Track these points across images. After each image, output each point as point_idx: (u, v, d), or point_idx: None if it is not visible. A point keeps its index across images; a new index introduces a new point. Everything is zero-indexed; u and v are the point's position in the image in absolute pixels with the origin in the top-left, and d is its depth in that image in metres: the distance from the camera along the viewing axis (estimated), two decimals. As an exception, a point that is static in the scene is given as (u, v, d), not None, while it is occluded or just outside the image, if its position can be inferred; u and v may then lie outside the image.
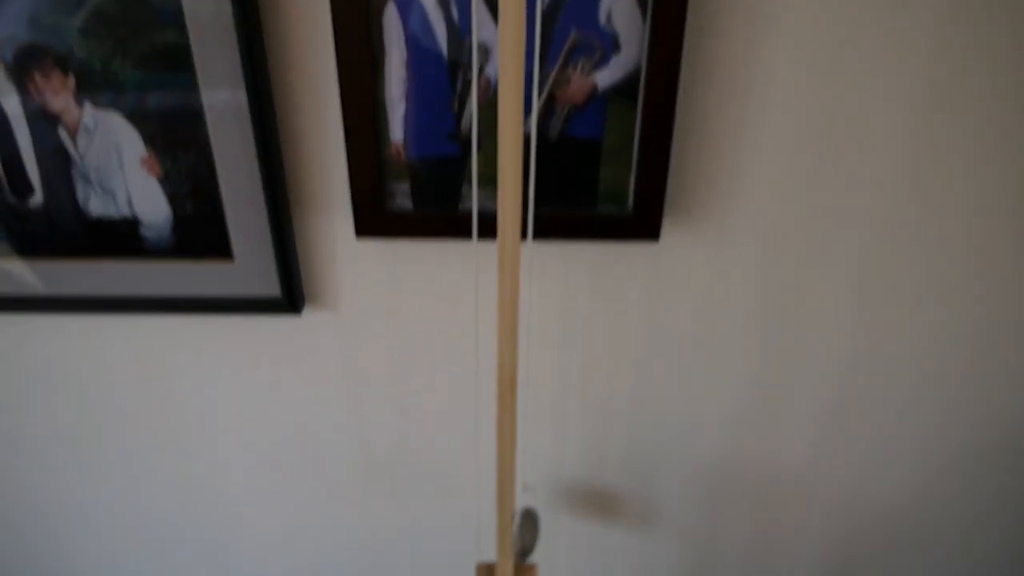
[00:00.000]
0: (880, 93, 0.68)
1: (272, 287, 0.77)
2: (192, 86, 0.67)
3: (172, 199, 0.73)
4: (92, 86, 0.68)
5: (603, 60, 0.66)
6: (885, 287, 0.78)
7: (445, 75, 0.66)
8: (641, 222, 0.71)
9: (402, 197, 0.71)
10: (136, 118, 0.69)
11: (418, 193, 0.71)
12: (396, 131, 0.68)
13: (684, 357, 0.82)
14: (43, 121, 0.70)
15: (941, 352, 0.81)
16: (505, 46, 0.46)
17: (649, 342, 0.81)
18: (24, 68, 0.67)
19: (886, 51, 0.67)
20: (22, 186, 0.73)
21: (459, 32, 0.65)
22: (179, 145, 0.70)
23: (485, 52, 0.66)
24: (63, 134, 0.70)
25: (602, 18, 0.64)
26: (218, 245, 0.75)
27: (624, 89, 0.67)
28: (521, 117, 0.50)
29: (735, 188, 0.73)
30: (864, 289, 0.78)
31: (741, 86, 0.69)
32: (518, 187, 0.52)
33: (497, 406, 0.62)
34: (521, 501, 0.92)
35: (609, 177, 0.70)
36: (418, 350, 0.82)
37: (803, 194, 0.73)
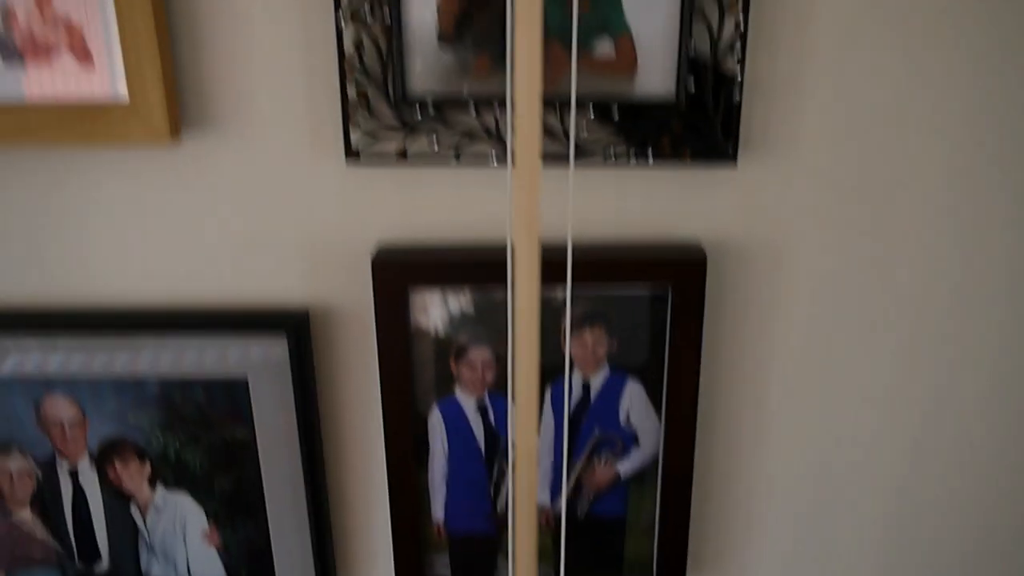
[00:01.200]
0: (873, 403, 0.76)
1: (315, 644, 0.80)
2: (255, 470, 0.75)
3: (228, 566, 0.79)
4: (165, 471, 0.76)
5: (624, 452, 0.73)
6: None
7: (482, 466, 0.74)
8: (665, 586, 0.77)
9: (441, 567, 0.77)
10: (201, 496, 0.77)
11: (456, 565, 0.77)
12: (437, 511, 0.75)
13: None
14: (117, 500, 0.77)
15: None
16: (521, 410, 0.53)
17: None
18: (107, 457, 0.76)
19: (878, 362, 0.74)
20: (91, 554, 0.79)
21: (495, 431, 0.73)
22: (238, 518, 0.77)
23: (518, 446, 0.74)
24: (134, 511, 0.77)
25: (622, 418, 0.73)
26: (267, 605, 0.80)
27: (644, 475, 0.74)
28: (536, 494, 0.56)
29: (749, 541, 0.79)
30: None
31: (749, 458, 0.76)
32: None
33: None
34: None
35: (633, 547, 0.76)
36: None
37: (804, 545, 0.79)
